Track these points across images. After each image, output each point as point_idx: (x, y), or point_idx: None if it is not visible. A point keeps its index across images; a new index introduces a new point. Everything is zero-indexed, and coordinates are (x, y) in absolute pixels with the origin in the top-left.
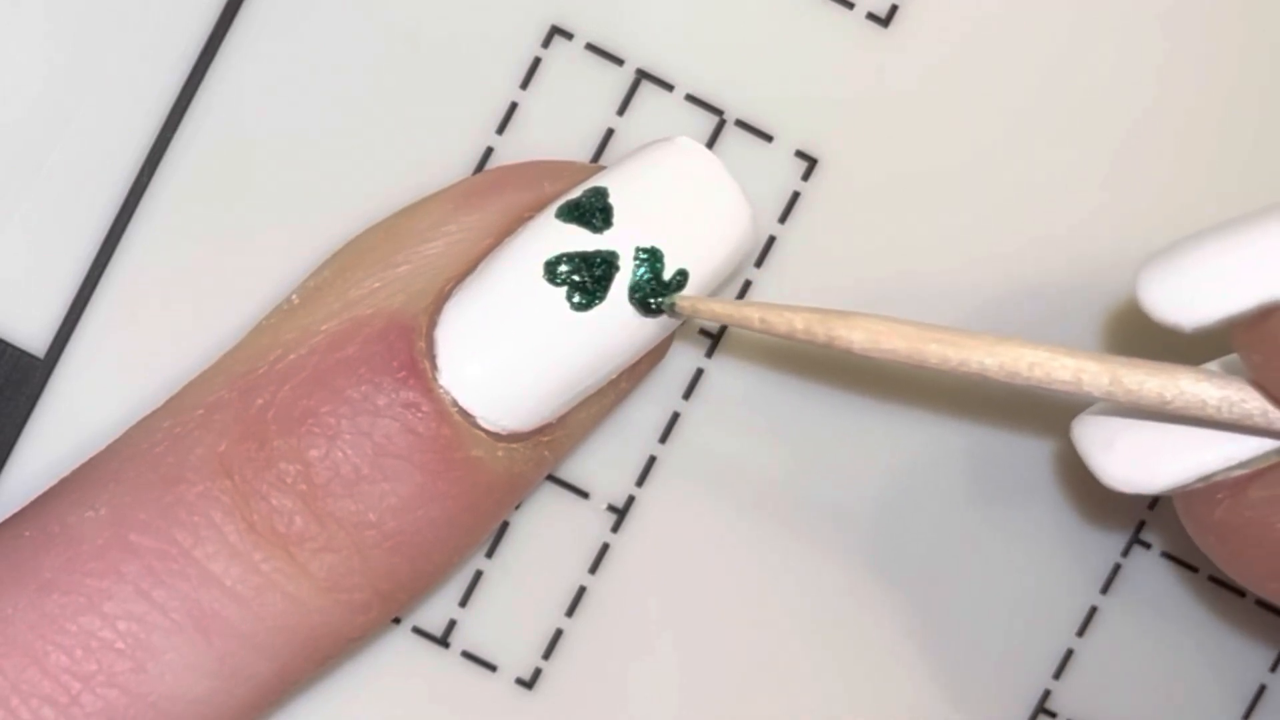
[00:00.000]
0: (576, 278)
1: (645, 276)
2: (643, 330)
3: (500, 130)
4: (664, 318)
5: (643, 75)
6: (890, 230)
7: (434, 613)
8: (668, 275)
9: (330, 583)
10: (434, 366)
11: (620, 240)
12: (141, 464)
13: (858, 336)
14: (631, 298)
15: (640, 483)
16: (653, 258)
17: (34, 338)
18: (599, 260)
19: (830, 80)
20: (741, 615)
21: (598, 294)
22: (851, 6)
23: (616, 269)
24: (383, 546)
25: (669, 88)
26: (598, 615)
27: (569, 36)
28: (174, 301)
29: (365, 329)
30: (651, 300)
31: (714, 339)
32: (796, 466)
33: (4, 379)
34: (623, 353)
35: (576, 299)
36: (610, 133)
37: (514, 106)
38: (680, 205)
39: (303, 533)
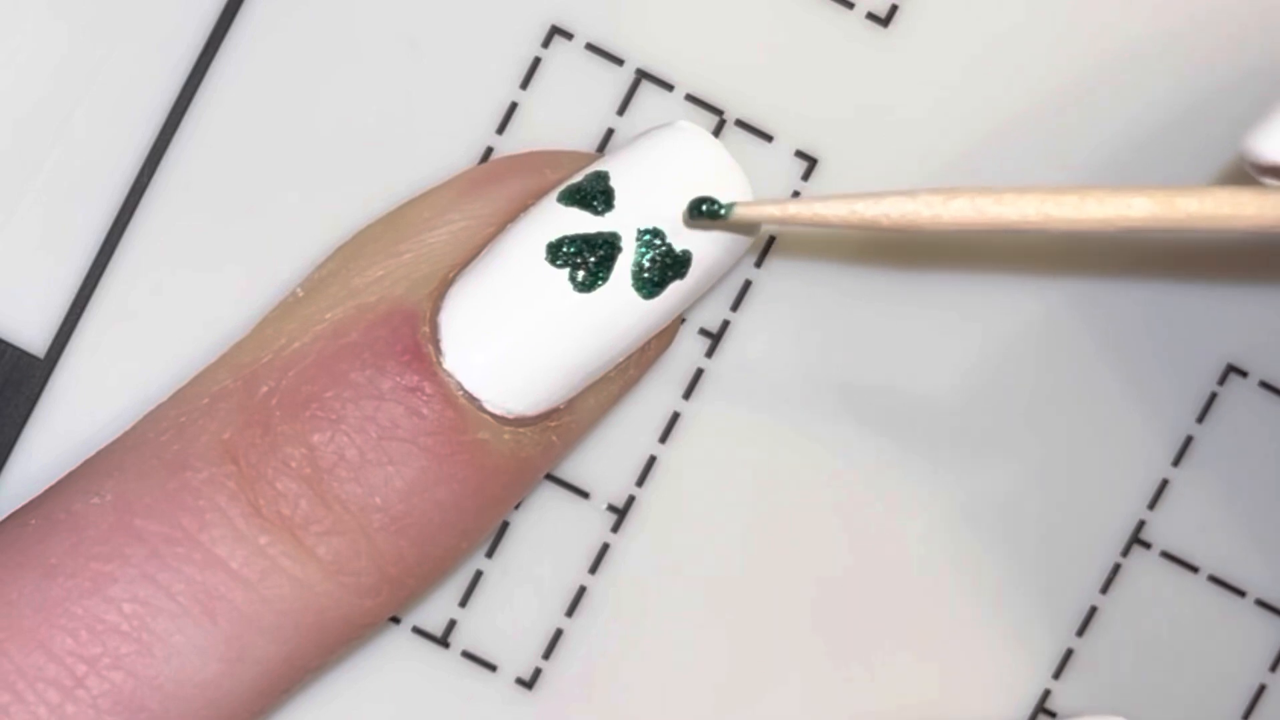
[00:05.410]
0: (579, 259)
1: (648, 256)
2: (647, 312)
3: (500, 130)
4: (666, 300)
5: (643, 75)
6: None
7: (434, 613)
8: (679, 250)
9: (337, 566)
10: (438, 351)
11: (622, 222)
12: (146, 452)
13: (957, 207)
14: (634, 279)
15: (640, 483)
16: (655, 238)
17: (34, 338)
18: (601, 241)
19: (830, 80)
20: (740, 615)
21: (600, 275)
22: (851, 6)
23: (619, 250)
24: (389, 529)
25: (669, 88)
26: (598, 615)
27: (569, 36)
28: (174, 302)
29: (369, 315)
30: (706, 208)
31: (714, 339)
32: (796, 466)
33: (4, 379)
34: (628, 335)
35: (579, 279)
36: (610, 133)
37: (514, 106)
38: (682, 187)
39: (308, 516)
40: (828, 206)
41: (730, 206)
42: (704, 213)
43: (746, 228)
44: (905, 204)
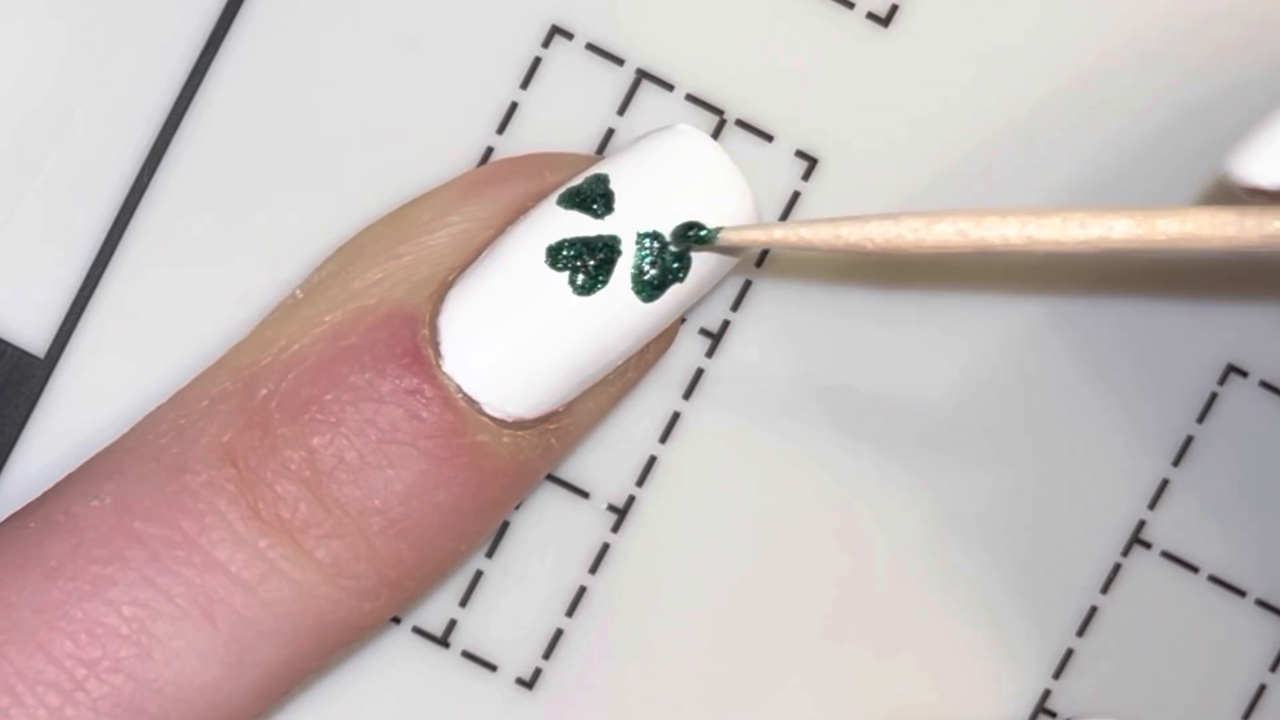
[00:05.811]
0: (578, 262)
1: (648, 260)
2: (646, 315)
3: (500, 130)
4: (665, 303)
5: (643, 75)
6: None
7: (434, 613)
8: (675, 250)
9: (336, 569)
10: (438, 354)
11: (621, 225)
12: (146, 454)
13: (941, 230)
14: (634, 282)
15: (640, 483)
16: (654, 242)
17: (34, 338)
18: (600, 245)
19: (830, 80)
20: (741, 615)
21: (600, 278)
22: (851, 6)
23: (618, 254)
24: (388, 533)
25: (669, 88)
26: (598, 615)
27: (569, 36)
28: (174, 301)
29: (368, 317)
30: (691, 233)
31: (714, 339)
32: (797, 466)
33: (4, 379)
34: (627, 338)
35: (579, 283)
36: (610, 133)
37: (514, 106)
38: (681, 191)
39: (308, 519)
40: (812, 231)
41: (716, 231)
42: (689, 237)
43: (735, 250)
44: (889, 228)
